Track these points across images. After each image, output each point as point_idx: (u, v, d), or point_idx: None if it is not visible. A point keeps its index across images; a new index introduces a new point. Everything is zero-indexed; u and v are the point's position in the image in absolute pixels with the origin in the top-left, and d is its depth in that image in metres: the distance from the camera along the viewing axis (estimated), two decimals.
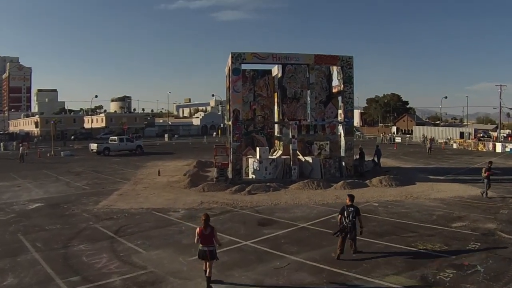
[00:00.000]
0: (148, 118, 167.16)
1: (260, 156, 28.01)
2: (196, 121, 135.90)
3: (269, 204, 20.79)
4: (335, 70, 31.24)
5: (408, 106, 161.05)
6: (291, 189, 24.57)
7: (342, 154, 29.09)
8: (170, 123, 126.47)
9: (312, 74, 28.59)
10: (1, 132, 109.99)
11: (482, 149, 61.64)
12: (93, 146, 51.79)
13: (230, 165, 27.81)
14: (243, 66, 29.12)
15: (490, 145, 62.46)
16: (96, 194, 24.22)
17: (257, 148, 28.80)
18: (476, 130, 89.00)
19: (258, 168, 27.76)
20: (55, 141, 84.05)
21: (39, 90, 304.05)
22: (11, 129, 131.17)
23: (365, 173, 30.41)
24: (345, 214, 12.55)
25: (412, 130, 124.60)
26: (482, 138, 74.46)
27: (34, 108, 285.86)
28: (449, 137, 79.71)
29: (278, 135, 32.88)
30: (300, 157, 29.14)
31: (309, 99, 28.64)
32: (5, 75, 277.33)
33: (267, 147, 29.46)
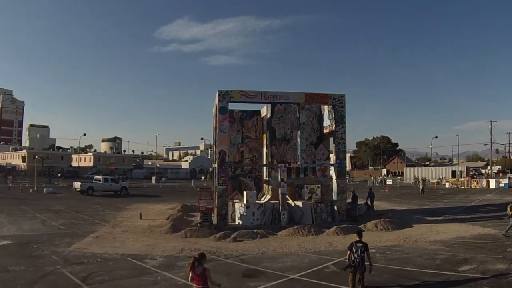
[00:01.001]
0: (137, 160, 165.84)
1: (247, 201, 26.53)
2: (184, 165, 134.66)
3: (256, 252, 19.14)
4: (326, 109, 30.24)
5: (398, 148, 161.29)
6: (280, 236, 22.92)
7: (334, 197, 27.68)
8: (158, 165, 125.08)
9: (302, 114, 27.35)
10: None
11: (475, 186, 61.34)
12: (77, 184, 50.14)
13: (215, 210, 26.26)
14: (231, 106, 28.03)
15: (484, 182, 62.12)
16: (71, 235, 22.57)
17: (244, 192, 27.31)
18: (468, 168, 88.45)
19: (245, 214, 26.25)
20: (41, 177, 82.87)
21: (31, 125, 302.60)
22: None
23: (359, 217, 29.08)
24: (354, 250, 12.64)
25: (402, 172, 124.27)
26: (475, 176, 73.76)
27: (26, 142, 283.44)
28: (441, 177, 79.17)
29: (267, 178, 31.45)
30: (290, 201, 27.71)
31: (299, 140, 27.35)
32: None
33: (254, 191, 28.01)
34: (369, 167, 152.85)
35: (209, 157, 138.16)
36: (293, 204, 27.64)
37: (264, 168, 32.16)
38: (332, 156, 29.59)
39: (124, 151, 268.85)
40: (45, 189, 51.79)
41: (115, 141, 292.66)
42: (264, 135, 32.02)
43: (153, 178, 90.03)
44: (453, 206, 36.61)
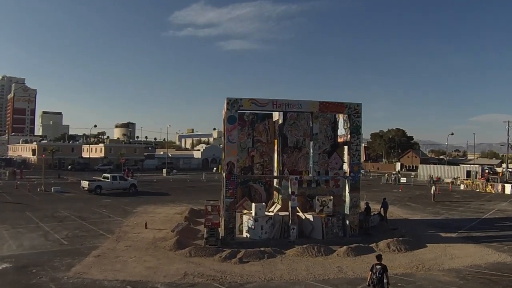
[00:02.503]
0: (149, 148, 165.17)
1: (255, 213, 25.34)
2: (197, 154, 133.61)
3: (261, 279, 18.01)
4: (341, 117, 28.86)
5: (412, 142, 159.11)
6: (288, 256, 21.79)
7: (346, 211, 26.37)
8: (170, 155, 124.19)
9: (316, 123, 25.95)
10: None
11: (490, 190, 59.85)
12: (85, 183, 49.22)
13: (222, 222, 25.12)
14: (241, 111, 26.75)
15: (499, 187, 60.37)
16: (72, 253, 21.64)
17: (253, 205, 26.06)
18: (483, 169, 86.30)
19: (253, 227, 25.14)
20: (51, 170, 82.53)
21: (44, 112, 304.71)
22: (10, 153, 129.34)
23: (371, 229, 28.10)
24: (374, 271, 14.66)
25: (416, 167, 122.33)
26: (490, 179, 71.80)
27: (38, 130, 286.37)
28: (455, 177, 77.32)
29: (277, 186, 30.20)
30: (300, 214, 26.53)
31: (312, 151, 25.99)
32: (10, 96, 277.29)
33: (263, 204, 26.72)
34: (383, 160, 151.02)
35: (221, 146, 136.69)
36: (303, 217, 26.46)
37: (275, 173, 30.93)
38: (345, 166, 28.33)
39: (137, 137, 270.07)
40: (52, 188, 50.94)
41: (128, 127, 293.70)
42: (276, 140, 30.70)
43: (164, 170, 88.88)
44: (468, 218, 35.25)
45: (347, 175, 26.80)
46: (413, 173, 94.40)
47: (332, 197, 27.27)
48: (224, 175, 25.35)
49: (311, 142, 25.93)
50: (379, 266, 14.66)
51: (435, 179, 77.14)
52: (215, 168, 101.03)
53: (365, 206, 29.96)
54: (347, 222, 26.12)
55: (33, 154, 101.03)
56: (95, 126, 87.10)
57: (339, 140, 29.47)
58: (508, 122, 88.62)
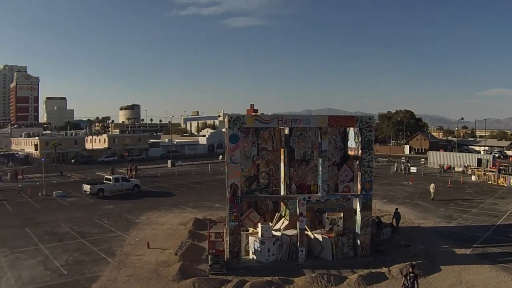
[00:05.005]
0: (154, 134, 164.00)
1: (262, 235, 24.01)
2: (202, 140, 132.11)
3: None
4: (352, 129, 27.29)
5: (421, 124, 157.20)
6: (297, 286, 20.59)
7: (357, 230, 24.96)
8: (175, 142, 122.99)
9: (325, 139, 24.36)
10: (1, 153, 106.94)
11: (503, 183, 58.19)
12: (86, 187, 48.01)
13: (226, 244, 23.84)
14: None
15: None
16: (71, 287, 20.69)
17: (259, 225, 24.70)
18: (494, 157, 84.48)
19: (259, 249, 23.80)
20: (54, 165, 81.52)
21: (48, 98, 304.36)
22: (13, 147, 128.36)
23: (383, 244, 26.98)
24: (408, 278, 17.84)
25: (425, 149, 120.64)
26: (502, 169, 70.19)
27: (43, 117, 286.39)
28: (466, 165, 75.80)
29: (285, 195, 28.69)
30: (309, 233, 25.15)
31: (320, 168, 24.45)
32: (12, 85, 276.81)
33: (270, 224, 25.35)
34: (391, 142, 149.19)
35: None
36: (312, 237, 25.09)
37: (282, 184, 29.49)
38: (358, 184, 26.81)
39: (142, 120, 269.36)
40: (54, 192, 49.76)
41: (133, 109, 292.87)
42: (282, 150, 29.17)
43: (169, 162, 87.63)
44: (482, 225, 33.78)
45: (358, 192, 25.27)
46: (422, 159, 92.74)
47: (342, 214, 25.80)
48: (228, 196, 23.95)
49: (320, 159, 24.37)
50: (412, 274, 18.21)
51: (445, 168, 75.72)
52: (221, 156, 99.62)
53: (377, 220, 28.61)
54: (358, 242, 24.76)
55: (36, 149, 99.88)
56: (98, 118, 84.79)
57: (350, 152, 27.94)
58: None
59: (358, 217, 24.94)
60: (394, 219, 31.04)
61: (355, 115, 25.20)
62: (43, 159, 61.16)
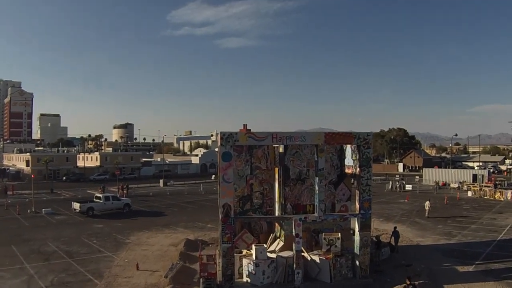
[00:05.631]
0: (147, 153, 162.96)
1: (256, 257, 22.96)
2: (195, 159, 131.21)
3: None
4: (349, 146, 26.46)
5: (414, 141, 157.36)
6: None
7: (356, 251, 24.01)
8: (168, 161, 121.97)
9: (321, 157, 23.49)
10: None
11: (499, 198, 57.94)
12: (76, 205, 46.86)
13: (218, 266, 22.79)
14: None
15: (509, 194, 58.57)
16: None
17: (253, 247, 23.65)
18: (489, 173, 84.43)
19: (254, 272, 22.75)
20: (45, 182, 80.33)
21: (42, 115, 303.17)
22: (5, 162, 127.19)
23: (382, 262, 26.15)
24: None
25: (419, 167, 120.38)
26: (498, 184, 69.84)
27: (37, 133, 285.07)
28: (461, 181, 75.43)
29: (279, 215, 27.68)
30: (305, 254, 24.15)
31: (317, 188, 23.55)
32: (6, 100, 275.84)
33: (264, 246, 24.30)
34: (385, 160, 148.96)
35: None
36: (309, 258, 24.09)
37: (276, 204, 28.49)
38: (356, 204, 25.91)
39: (135, 139, 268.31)
40: (43, 209, 48.65)
41: (126, 128, 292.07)
42: (276, 169, 28.23)
43: (161, 181, 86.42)
44: (482, 241, 33.09)
45: (357, 212, 24.35)
46: (417, 176, 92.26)
47: (339, 234, 24.85)
48: (220, 218, 22.95)
49: (317, 178, 23.48)
50: (411, 286, 19.12)
51: (440, 184, 75.23)
52: (213, 176, 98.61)
53: (376, 240, 27.69)
54: (357, 262, 23.81)
55: (27, 165, 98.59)
56: (89, 135, 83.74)
57: (347, 170, 27.07)
58: None
59: (357, 237, 24.02)
60: (393, 238, 30.17)
61: (352, 132, 24.30)
62: (32, 176, 60.00)
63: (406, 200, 57.43)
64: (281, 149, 27.25)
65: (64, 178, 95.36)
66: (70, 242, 33.95)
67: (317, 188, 23.51)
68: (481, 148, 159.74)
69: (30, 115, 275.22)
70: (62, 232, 37.80)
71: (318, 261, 23.73)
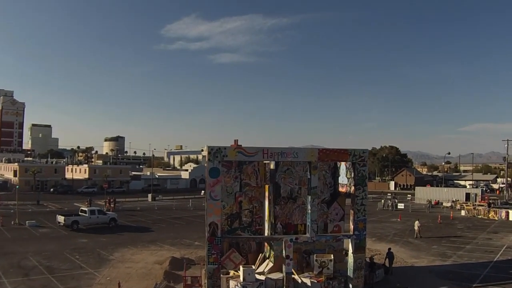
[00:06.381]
0: (137, 167, 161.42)
1: (244, 279, 21.78)
2: (185, 174, 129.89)
3: None
4: (343, 164, 25.46)
5: (406, 159, 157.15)
6: None
7: (350, 273, 22.91)
8: (157, 175, 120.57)
9: (314, 175, 22.47)
10: None
11: (494, 217, 57.39)
12: (60, 218, 45.46)
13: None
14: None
15: (503, 213, 58.08)
16: None
17: (241, 268, 22.47)
18: (482, 191, 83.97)
19: None
20: (32, 193, 78.84)
21: (33, 125, 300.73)
22: None
23: (375, 285, 24.91)
24: None
25: (411, 185, 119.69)
26: (492, 203, 69.12)
27: (27, 143, 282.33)
28: (454, 200, 74.77)
29: (269, 235, 26.49)
30: (296, 277, 23.02)
31: (309, 207, 22.48)
32: None
33: (252, 268, 23.10)
34: (376, 178, 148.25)
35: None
36: (299, 281, 22.93)
37: (266, 223, 27.29)
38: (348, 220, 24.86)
39: (126, 152, 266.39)
40: (27, 222, 47.35)
41: (118, 141, 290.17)
42: (267, 186, 27.07)
43: (149, 196, 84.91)
44: (478, 262, 32.05)
45: (351, 233, 23.28)
46: (409, 195, 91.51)
47: (332, 256, 23.74)
48: (206, 237, 21.77)
49: (309, 197, 22.44)
50: None
51: (433, 203, 74.46)
52: (203, 191, 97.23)
53: (369, 261, 26.58)
54: (350, 286, 22.71)
55: (15, 176, 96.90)
56: (78, 147, 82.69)
57: (341, 189, 26.06)
58: (508, 140, 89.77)
59: (351, 259, 22.96)
60: (387, 259, 29.03)
61: (347, 148, 23.30)
62: (17, 186, 58.62)
63: (399, 219, 56.42)
64: (272, 166, 26.21)
65: (51, 189, 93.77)
66: (52, 256, 32.58)
67: (309, 207, 22.47)
68: (473, 167, 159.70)
69: (21, 125, 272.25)
70: (44, 246, 36.44)
71: (309, 284, 22.61)
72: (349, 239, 23.17)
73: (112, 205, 64.55)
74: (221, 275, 22.33)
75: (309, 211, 22.48)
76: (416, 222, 44.01)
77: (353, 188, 23.36)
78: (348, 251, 23.80)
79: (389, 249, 30.22)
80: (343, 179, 25.77)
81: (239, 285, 21.71)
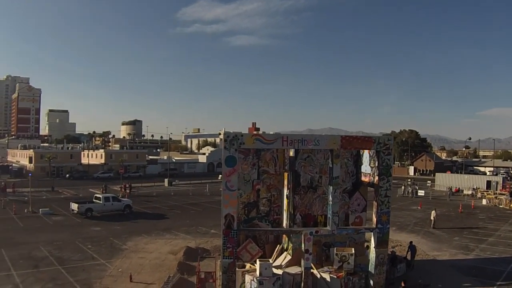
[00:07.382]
0: (154, 151, 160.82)
1: (260, 273, 20.63)
2: (202, 158, 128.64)
3: None
4: (366, 152, 24.03)
5: (425, 144, 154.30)
6: None
7: (371, 269, 21.63)
8: (174, 159, 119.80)
9: (336, 164, 21.09)
10: None
11: None
12: (74, 206, 44.66)
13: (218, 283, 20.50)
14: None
15: None
16: None
17: (257, 262, 21.31)
18: (504, 179, 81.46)
19: None
20: (47, 179, 78.51)
21: (50, 110, 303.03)
22: (9, 158, 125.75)
23: (396, 280, 23.49)
24: None
25: (431, 171, 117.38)
26: None
27: (45, 129, 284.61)
28: (475, 187, 72.73)
29: (287, 227, 25.26)
30: (315, 271, 21.80)
31: (331, 198, 21.16)
32: (14, 96, 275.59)
33: (269, 262, 21.93)
34: (395, 163, 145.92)
35: None
36: (318, 276, 21.70)
37: (285, 213, 26.04)
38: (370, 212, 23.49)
39: (143, 136, 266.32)
40: (41, 209, 46.72)
41: (135, 124, 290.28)
42: (286, 174, 25.77)
43: (166, 180, 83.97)
44: (502, 257, 30.61)
45: (374, 226, 21.94)
46: (429, 181, 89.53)
47: (353, 249, 22.46)
48: (222, 230, 20.61)
49: (330, 187, 21.09)
50: None
51: (454, 190, 72.50)
52: (220, 175, 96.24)
53: (391, 255, 25.25)
54: (371, 282, 21.42)
55: (30, 162, 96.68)
56: (94, 132, 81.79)
57: (364, 178, 24.65)
58: None
59: (372, 254, 21.68)
60: (409, 252, 27.68)
61: (371, 135, 21.88)
62: (30, 174, 58.05)
63: (419, 207, 54.80)
64: (291, 153, 24.89)
65: (67, 175, 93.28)
66: (63, 246, 31.87)
67: (330, 198, 21.14)
68: (493, 153, 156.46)
69: (38, 111, 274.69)
70: (56, 235, 35.73)
71: (328, 279, 21.39)
72: (372, 233, 21.83)
73: (127, 191, 63.88)
74: (237, 269, 21.23)
75: (331, 202, 21.16)
76: (433, 212, 42.47)
77: (376, 178, 21.98)
78: (369, 243, 22.51)
79: (411, 242, 28.85)
80: (366, 168, 24.38)
81: (255, 280, 20.56)
